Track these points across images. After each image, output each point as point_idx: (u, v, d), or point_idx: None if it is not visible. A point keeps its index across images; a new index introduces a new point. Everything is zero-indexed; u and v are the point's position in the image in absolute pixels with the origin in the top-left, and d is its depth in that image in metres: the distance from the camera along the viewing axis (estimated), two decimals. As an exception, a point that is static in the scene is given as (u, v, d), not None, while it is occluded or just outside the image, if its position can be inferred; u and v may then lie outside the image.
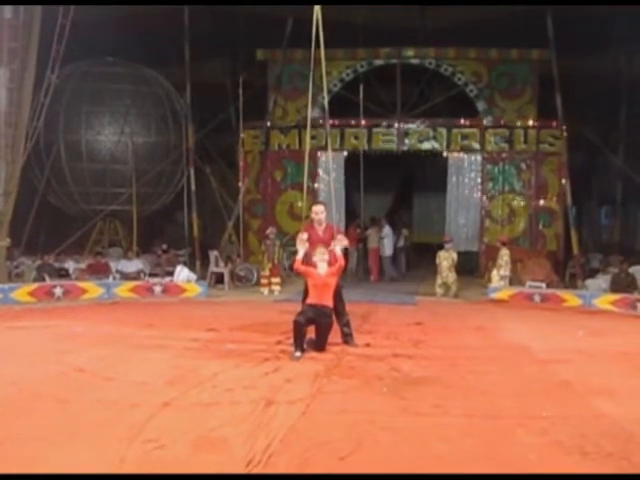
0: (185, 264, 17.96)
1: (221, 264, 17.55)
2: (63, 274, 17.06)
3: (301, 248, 9.10)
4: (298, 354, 8.42)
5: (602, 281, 16.26)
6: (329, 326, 8.84)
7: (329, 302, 8.79)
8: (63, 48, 15.42)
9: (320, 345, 8.78)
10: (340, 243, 9.12)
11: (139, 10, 20.20)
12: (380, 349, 9.26)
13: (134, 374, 7.58)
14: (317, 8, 9.16)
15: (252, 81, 21.03)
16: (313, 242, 9.22)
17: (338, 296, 9.22)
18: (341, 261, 8.97)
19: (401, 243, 21.49)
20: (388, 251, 20.01)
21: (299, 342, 8.51)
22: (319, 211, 9.42)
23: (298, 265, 9.05)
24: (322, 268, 8.84)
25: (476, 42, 20.64)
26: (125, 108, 21.18)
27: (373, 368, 8.05)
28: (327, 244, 9.14)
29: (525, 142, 20.66)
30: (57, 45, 15.45)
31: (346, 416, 6.11)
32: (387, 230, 20.14)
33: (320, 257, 8.86)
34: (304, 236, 9.26)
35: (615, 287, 15.37)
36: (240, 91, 20.05)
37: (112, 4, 17.51)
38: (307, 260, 9.09)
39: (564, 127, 19.59)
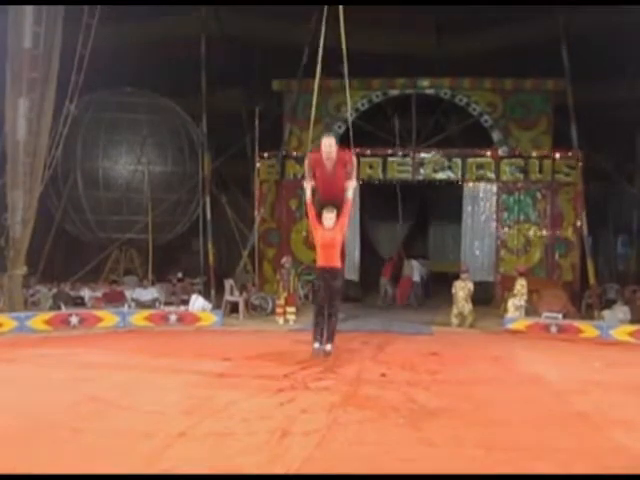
0: (200, 293, 17.96)
1: (236, 293, 17.55)
2: (79, 302, 17.11)
3: (308, 188, 8.75)
4: (317, 345, 8.40)
5: (619, 311, 16.15)
6: (340, 288, 8.64)
7: (337, 262, 8.58)
8: (82, 78, 15.60)
9: (334, 305, 8.62)
10: (351, 188, 8.69)
11: (156, 40, 20.54)
12: (396, 379, 9.20)
13: (149, 403, 7.57)
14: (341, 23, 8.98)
15: (268, 111, 21.17)
16: (321, 177, 8.69)
17: (337, 290, 8.88)
18: (349, 203, 8.63)
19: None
20: (417, 277, 21.37)
21: (318, 330, 8.48)
22: (330, 144, 8.60)
23: (309, 207, 8.72)
24: (329, 220, 8.52)
25: (491, 72, 20.73)
26: (142, 138, 21.39)
27: (389, 399, 7.99)
28: (336, 177, 8.69)
29: (540, 172, 20.60)
30: (76, 75, 15.63)
31: (362, 447, 6.07)
32: (414, 262, 21.76)
33: (328, 215, 8.56)
34: (309, 184, 8.81)
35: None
36: (256, 121, 20.21)
37: (134, 4, 17.59)
38: (316, 212, 8.70)
39: (580, 157, 19.58)
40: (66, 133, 16.19)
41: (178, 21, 20.09)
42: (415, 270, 21.45)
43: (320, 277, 8.41)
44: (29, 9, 14.84)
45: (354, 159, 8.73)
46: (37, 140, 15.33)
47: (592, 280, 17.89)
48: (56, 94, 15.59)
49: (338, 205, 8.54)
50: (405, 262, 21.84)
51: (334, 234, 8.39)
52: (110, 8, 15.88)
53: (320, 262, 8.50)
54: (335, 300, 8.54)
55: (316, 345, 8.43)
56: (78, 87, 15.76)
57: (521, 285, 16.29)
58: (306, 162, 8.60)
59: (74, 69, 15.58)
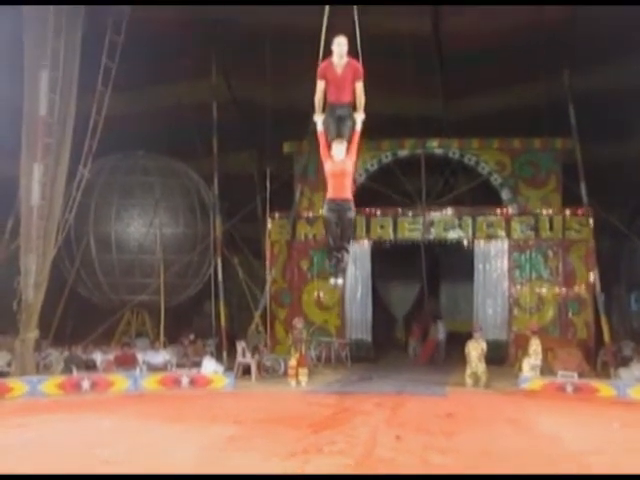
0: (212, 354, 17.91)
1: (248, 355, 17.46)
2: (91, 365, 17.05)
3: (318, 122, 8.44)
4: (332, 281, 8.29)
5: (636, 369, 15.95)
6: (352, 220, 8.47)
7: (348, 194, 8.40)
8: (95, 144, 15.84)
9: (345, 239, 8.48)
10: (359, 120, 8.58)
11: (169, 105, 20.89)
12: (410, 442, 9.09)
13: (161, 468, 7.49)
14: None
15: (279, 172, 21.39)
16: (330, 81, 8.34)
17: (349, 223, 8.69)
18: (357, 135, 8.52)
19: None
20: (442, 335, 22.01)
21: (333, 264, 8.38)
22: (342, 43, 8.29)
23: (320, 138, 8.58)
24: (339, 152, 8.42)
25: (499, 132, 20.91)
26: (154, 200, 21.55)
27: (404, 462, 7.89)
28: (346, 82, 8.36)
29: (551, 229, 20.64)
30: (90, 140, 15.87)
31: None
32: (439, 322, 22.48)
33: (337, 147, 8.44)
34: (321, 88, 8.36)
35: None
36: (267, 183, 20.41)
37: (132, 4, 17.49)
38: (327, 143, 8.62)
39: (590, 214, 19.62)
40: (79, 197, 16.36)
41: (190, 87, 20.44)
42: (440, 330, 21.95)
43: (331, 209, 8.22)
44: (44, 76, 15.15)
45: (361, 86, 8.60)
46: (51, 204, 15.48)
47: (607, 338, 17.73)
48: (70, 158, 15.81)
49: (345, 109, 8.44)
50: (432, 325, 22.22)
51: (344, 164, 8.28)
52: (124, 75, 16.18)
53: (330, 194, 8.29)
54: (347, 233, 8.38)
55: (332, 281, 8.37)
56: (92, 152, 16.00)
57: (536, 344, 16.18)
58: (315, 97, 8.47)
59: (88, 134, 15.83)
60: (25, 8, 15.07)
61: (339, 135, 8.29)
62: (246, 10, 17.35)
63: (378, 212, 21.17)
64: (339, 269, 8.51)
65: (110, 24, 15.80)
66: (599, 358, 18.63)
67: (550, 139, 20.82)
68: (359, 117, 8.33)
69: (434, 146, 21.80)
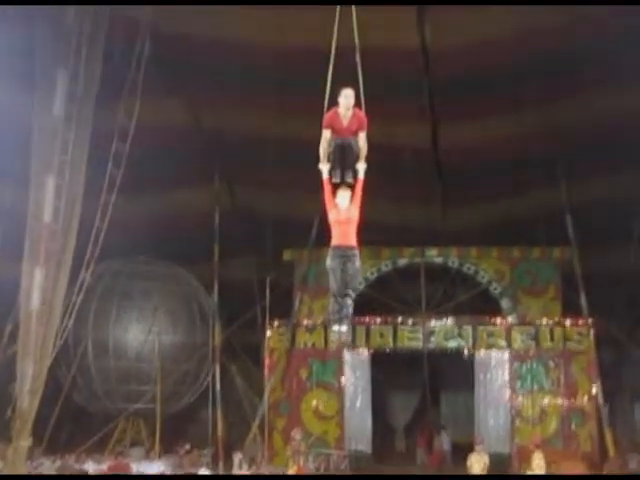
0: (208, 465, 17.51)
1: (245, 466, 17.03)
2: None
3: (324, 170, 8.36)
4: (336, 328, 7.93)
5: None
6: (358, 270, 8.20)
7: (353, 241, 8.18)
8: (98, 251, 15.92)
9: (350, 288, 8.18)
10: (362, 170, 8.51)
11: (172, 211, 21.17)
12: None
13: None
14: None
15: (279, 280, 21.46)
16: (336, 131, 8.33)
17: (354, 273, 8.46)
18: (361, 183, 8.28)
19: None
20: (447, 445, 21.97)
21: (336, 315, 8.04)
22: (349, 95, 8.28)
23: (325, 186, 8.44)
24: (343, 200, 8.25)
25: (498, 240, 21.13)
26: (153, 306, 21.53)
27: None
28: (351, 132, 8.33)
29: (552, 339, 20.55)
30: (92, 246, 15.95)
31: None
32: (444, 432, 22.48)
33: (342, 194, 8.29)
34: (326, 137, 8.34)
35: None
36: (267, 290, 20.44)
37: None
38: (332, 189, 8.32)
39: (590, 324, 19.58)
40: (79, 302, 16.31)
41: (193, 193, 20.75)
42: (445, 441, 21.82)
43: (336, 257, 7.99)
44: (50, 183, 15.37)
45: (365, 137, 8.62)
46: (50, 310, 15.38)
47: (611, 451, 17.44)
48: (71, 263, 15.85)
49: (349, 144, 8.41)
50: (436, 436, 22.09)
51: (349, 212, 8.16)
52: (127, 180, 16.41)
53: (335, 241, 8.08)
54: (353, 283, 8.12)
55: (335, 328, 8.06)
56: (94, 257, 16.05)
57: (539, 459, 15.76)
58: (320, 146, 8.46)
59: (91, 239, 15.92)
60: (34, 120, 15.43)
61: (343, 182, 8.37)
62: (247, 117, 17.92)
63: (378, 320, 21.13)
64: (342, 315, 8.36)
65: (116, 134, 16.16)
66: (604, 472, 18.19)
67: (549, 248, 21.03)
68: (361, 167, 8.45)
69: (433, 255, 21.98)
